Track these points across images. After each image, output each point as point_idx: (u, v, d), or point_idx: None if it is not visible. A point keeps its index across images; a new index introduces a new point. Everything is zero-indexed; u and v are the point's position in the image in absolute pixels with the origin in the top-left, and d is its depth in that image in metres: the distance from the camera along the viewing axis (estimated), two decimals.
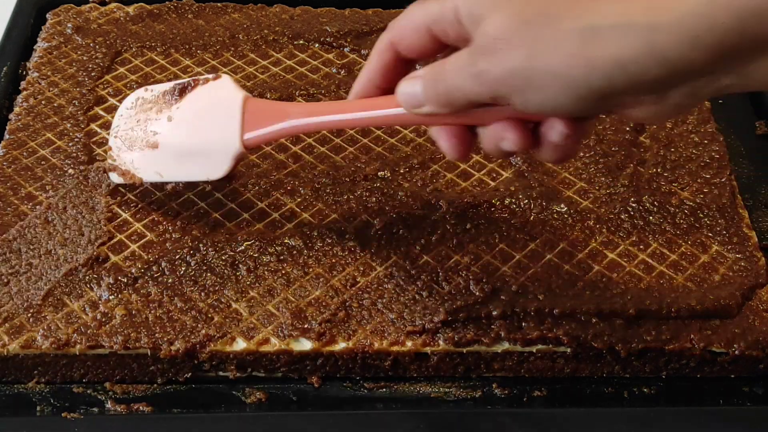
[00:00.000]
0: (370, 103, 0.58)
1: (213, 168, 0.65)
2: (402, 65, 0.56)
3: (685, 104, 0.47)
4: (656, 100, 0.47)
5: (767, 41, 0.43)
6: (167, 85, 0.69)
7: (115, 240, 0.69)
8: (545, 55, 0.46)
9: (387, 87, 0.57)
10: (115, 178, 0.71)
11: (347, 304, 0.65)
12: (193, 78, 0.68)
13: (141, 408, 0.62)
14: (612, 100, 0.47)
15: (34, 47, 0.90)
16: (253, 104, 0.64)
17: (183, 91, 0.67)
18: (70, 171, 0.75)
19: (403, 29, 0.54)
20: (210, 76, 0.67)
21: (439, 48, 0.53)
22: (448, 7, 0.50)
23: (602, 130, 0.79)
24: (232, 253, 0.68)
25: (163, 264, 0.67)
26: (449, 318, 0.63)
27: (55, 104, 0.82)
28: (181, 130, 0.66)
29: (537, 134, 0.52)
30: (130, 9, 0.94)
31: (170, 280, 0.66)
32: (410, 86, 0.53)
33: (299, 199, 0.72)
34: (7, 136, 0.79)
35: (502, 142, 0.53)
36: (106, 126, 0.80)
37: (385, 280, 0.66)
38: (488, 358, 0.64)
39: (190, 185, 0.73)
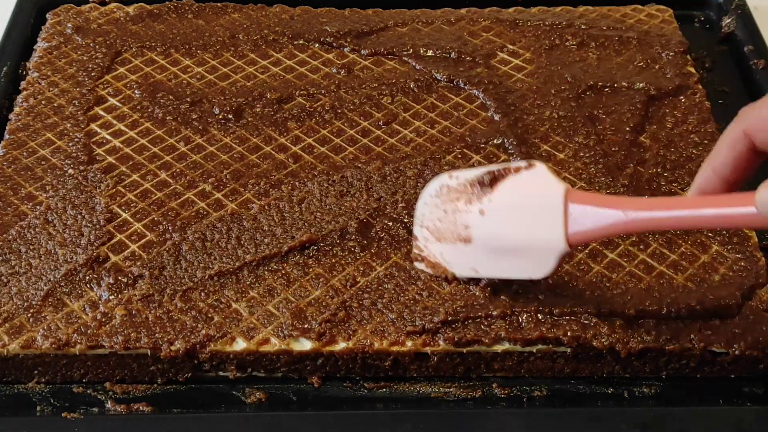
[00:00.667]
0: (721, 201, 0.50)
1: (535, 267, 0.60)
2: (755, 157, 0.49)
3: None
4: None
5: None
6: (475, 172, 0.62)
7: (115, 240, 0.69)
8: None
9: (736, 180, 0.50)
10: (423, 268, 0.66)
11: (347, 304, 0.65)
12: (504, 167, 0.61)
13: (141, 408, 0.62)
14: None
15: (34, 47, 0.90)
16: (577, 197, 0.57)
17: (494, 181, 0.60)
18: (70, 171, 0.75)
19: (764, 120, 0.48)
20: (522, 164, 0.60)
21: None
22: None
23: (602, 130, 0.79)
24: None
25: (163, 264, 0.67)
26: (449, 318, 0.63)
27: (55, 104, 0.82)
28: (497, 226, 0.61)
29: None
30: (130, 9, 0.94)
31: (170, 280, 0.66)
32: None
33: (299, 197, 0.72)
34: (7, 136, 0.79)
35: None
36: (106, 126, 0.80)
37: (385, 280, 0.66)
38: (488, 358, 0.64)
39: (193, 185, 0.73)
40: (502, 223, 0.61)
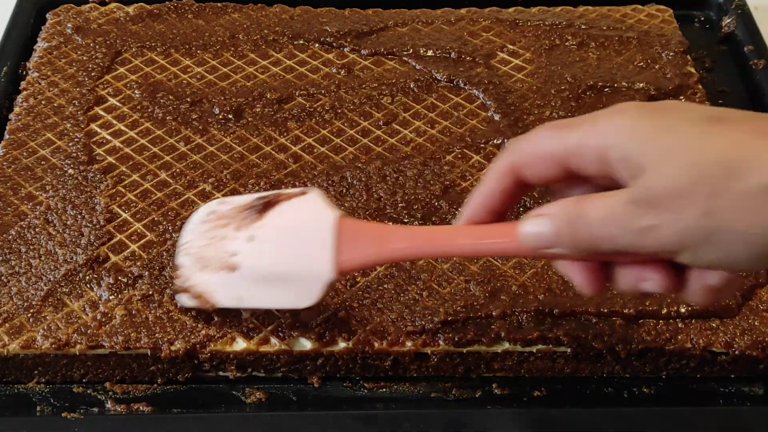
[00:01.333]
0: (483, 232, 0.51)
1: (301, 296, 0.58)
2: (521, 189, 0.50)
3: None
4: None
5: None
6: (246, 199, 0.61)
7: (115, 240, 0.69)
8: (726, 213, 0.40)
9: (502, 211, 0.51)
10: (186, 301, 0.62)
11: (347, 304, 0.65)
12: (276, 193, 0.60)
13: (141, 408, 0.62)
14: None
15: (34, 47, 0.90)
16: (347, 226, 0.56)
17: (266, 207, 0.59)
18: (70, 171, 0.75)
19: (529, 156, 0.48)
20: (296, 191, 0.60)
21: (569, 178, 0.47)
22: (591, 145, 0.44)
23: None
24: None
25: (163, 264, 0.67)
26: (449, 318, 0.63)
27: (55, 104, 0.82)
28: (265, 253, 0.58)
29: (681, 274, 0.46)
30: (130, 9, 0.94)
31: (170, 280, 0.66)
32: (538, 226, 0.47)
33: None
34: (7, 136, 0.79)
35: (643, 283, 0.46)
36: (106, 126, 0.80)
37: (385, 280, 0.66)
38: (488, 358, 0.64)
39: (193, 185, 0.73)
40: (270, 249, 0.58)
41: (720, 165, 0.40)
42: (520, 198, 0.50)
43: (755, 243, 0.40)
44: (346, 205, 0.72)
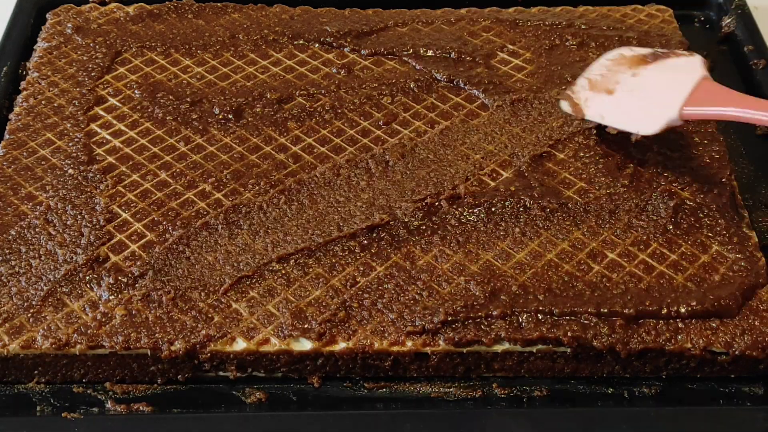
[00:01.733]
0: None
1: (647, 124, 0.70)
2: None
3: None
4: None
5: None
6: (648, 50, 0.76)
7: (115, 240, 0.69)
8: None
9: None
10: (565, 106, 0.77)
11: (347, 304, 0.65)
12: (670, 51, 0.76)
13: (141, 408, 0.62)
14: None
15: (34, 47, 0.90)
16: (708, 84, 0.69)
17: (660, 56, 0.74)
18: (70, 171, 0.75)
19: None
20: (686, 52, 0.75)
21: None
22: None
23: (602, 129, 0.79)
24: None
25: (163, 264, 0.67)
26: (449, 318, 0.63)
27: (55, 104, 0.82)
28: (640, 85, 0.72)
29: None
30: (130, 9, 0.94)
31: (170, 280, 0.66)
32: None
33: (299, 198, 0.72)
34: (7, 136, 0.79)
35: None
36: (106, 126, 0.80)
37: (385, 280, 0.66)
38: (488, 358, 0.64)
39: (193, 185, 0.73)
40: (644, 84, 0.72)
41: None
42: None
43: None
44: (345, 205, 0.72)
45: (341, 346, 0.63)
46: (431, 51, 0.88)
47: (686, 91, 0.68)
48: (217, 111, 0.81)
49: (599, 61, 0.79)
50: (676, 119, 0.68)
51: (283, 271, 0.67)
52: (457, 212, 0.71)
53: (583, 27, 0.92)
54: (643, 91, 0.73)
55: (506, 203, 0.72)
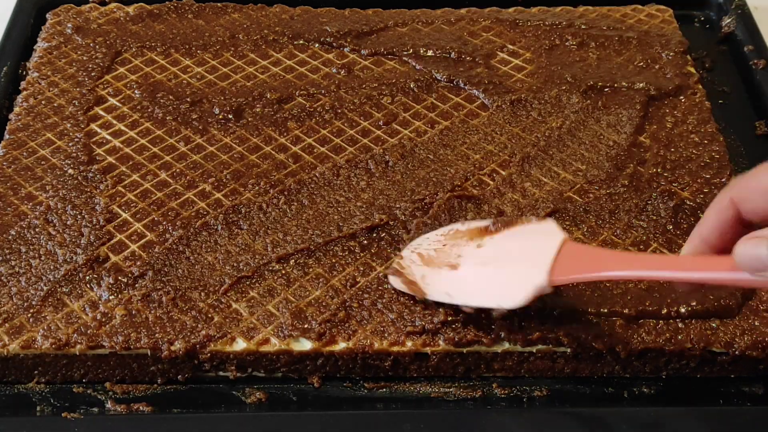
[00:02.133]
0: (701, 263, 0.53)
1: (509, 296, 0.60)
2: (740, 226, 0.51)
3: None
4: None
5: None
6: (487, 222, 0.65)
7: (115, 240, 0.69)
8: None
9: (722, 247, 0.52)
10: (396, 283, 0.65)
11: (347, 304, 0.65)
12: (516, 217, 0.68)
13: (141, 408, 0.62)
14: None
15: (34, 47, 0.90)
16: (571, 247, 0.60)
17: (502, 226, 0.64)
18: (70, 171, 0.75)
19: (750, 191, 0.50)
20: (534, 218, 0.67)
21: None
22: None
23: (602, 129, 0.79)
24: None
25: (163, 264, 0.67)
26: (449, 318, 0.63)
27: (55, 104, 0.82)
28: (488, 256, 0.63)
29: None
30: (130, 9, 0.94)
31: (170, 280, 0.66)
32: (754, 248, 0.47)
33: (299, 199, 0.72)
34: (7, 136, 0.79)
35: None
36: (106, 126, 0.80)
37: (385, 280, 0.66)
38: (488, 358, 0.64)
39: (193, 185, 0.73)
40: (494, 255, 0.62)
41: None
42: (739, 235, 0.50)
43: None
44: (345, 206, 0.72)
45: (341, 346, 0.62)
46: (431, 51, 0.88)
47: (551, 255, 0.58)
48: (217, 111, 0.81)
49: (427, 235, 0.68)
50: (545, 286, 0.58)
51: (283, 271, 0.67)
52: (456, 212, 0.71)
53: (583, 27, 0.92)
54: (497, 262, 0.62)
55: (506, 203, 0.72)
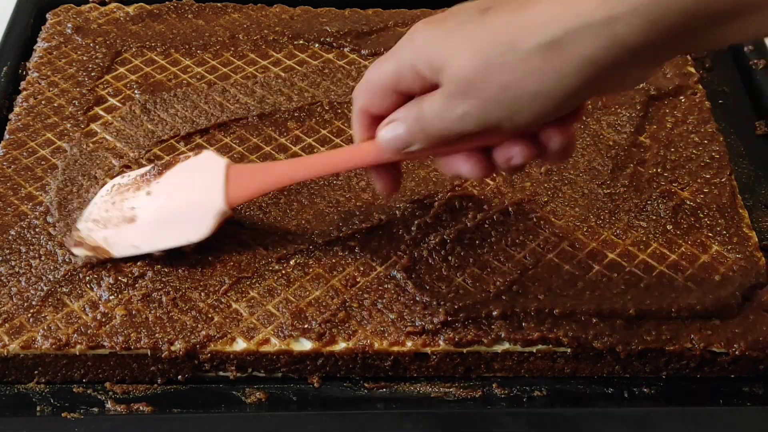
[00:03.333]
0: (354, 151, 0.60)
1: (195, 229, 0.65)
2: (381, 120, 0.56)
3: (657, 68, 0.51)
4: (627, 76, 0.49)
5: (724, 12, 0.45)
6: (145, 168, 0.68)
7: None
8: (516, 80, 0.47)
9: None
10: (81, 253, 0.66)
11: (347, 304, 0.65)
12: (173, 156, 0.71)
13: (141, 408, 0.62)
14: (589, 91, 0.49)
15: (34, 47, 0.90)
16: (236, 168, 0.66)
17: (164, 168, 0.67)
18: None
19: (369, 96, 0.56)
20: (191, 153, 0.68)
21: (410, 97, 0.54)
22: (404, 65, 0.52)
23: (602, 129, 0.79)
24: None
25: (163, 264, 0.67)
26: (449, 318, 0.63)
27: (55, 104, 0.82)
28: (161, 200, 0.66)
29: (538, 142, 0.54)
30: (130, 9, 0.94)
31: (170, 280, 0.66)
32: (392, 130, 0.54)
33: (299, 199, 0.72)
34: (7, 136, 0.79)
35: (512, 160, 0.54)
36: (106, 126, 0.80)
37: (385, 280, 0.66)
38: (488, 358, 0.64)
39: None
40: (167, 196, 0.66)
41: (498, 44, 0.47)
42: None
43: (551, 96, 0.48)
44: (345, 206, 0.72)
45: (341, 346, 0.63)
46: None
47: (221, 181, 0.64)
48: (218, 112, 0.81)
49: (93, 200, 0.68)
50: (226, 210, 0.64)
51: (283, 271, 0.67)
52: (456, 212, 0.71)
53: None
54: (172, 202, 0.65)
55: (505, 203, 0.72)
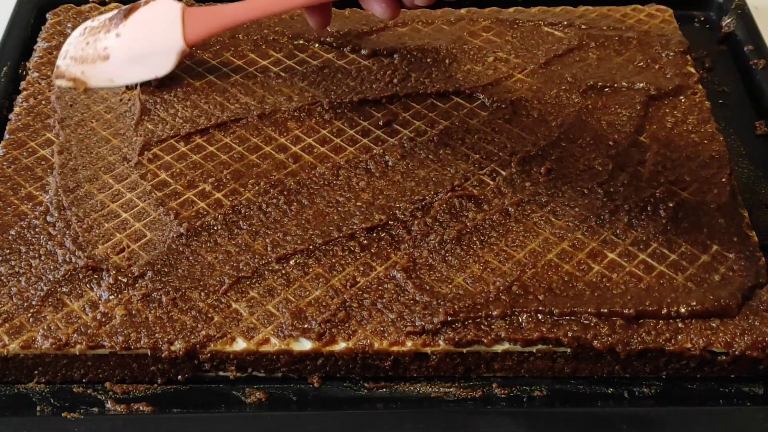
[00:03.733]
0: None
1: (159, 66, 0.79)
2: None
3: None
4: None
5: None
6: (112, 12, 0.80)
7: (115, 240, 0.69)
8: None
9: None
10: (62, 83, 0.80)
11: (347, 304, 0.65)
12: (136, 3, 0.79)
13: (141, 408, 0.62)
14: None
15: (34, 47, 0.90)
16: (193, 10, 0.78)
17: (128, 12, 0.78)
18: None
19: None
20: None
21: None
22: None
23: (602, 129, 0.79)
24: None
25: (164, 264, 0.67)
26: (449, 318, 0.63)
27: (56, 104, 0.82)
28: (129, 40, 0.78)
29: None
30: None
31: (170, 280, 0.66)
32: None
33: (299, 199, 0.72)
34: (7, 136, 0.79)
35: None
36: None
37: (385, 280, 0.66)
38: (488, 358, 0.64)
39: (193, 185, 0.73)
40: (133, 38, 0.78)
41: None
42: None
43: None
44: (345, 206, 0.72)
45: (341, 346, 0.63)
46: (431, 51, 0.88)
47: (178, 22, 0.77)
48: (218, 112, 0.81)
49: (68, 40, 0.81)
50: (184, 48, 0.78)
51: (283, 271, 0.67)
52: (456, 212, 0.71)
53: (583, 27, 0.92)
54: (139, 42, 0.78)
55: (505, 203, 0.72)
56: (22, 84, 0.85)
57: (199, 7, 0.81)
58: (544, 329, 0.63)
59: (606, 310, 0.64)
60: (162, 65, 0.79)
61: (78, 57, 0.79)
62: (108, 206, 0.72)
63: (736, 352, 0.62)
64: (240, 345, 0.62)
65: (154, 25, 0.78)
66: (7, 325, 0.63)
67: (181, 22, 0.77)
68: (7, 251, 0.68)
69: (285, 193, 0.73)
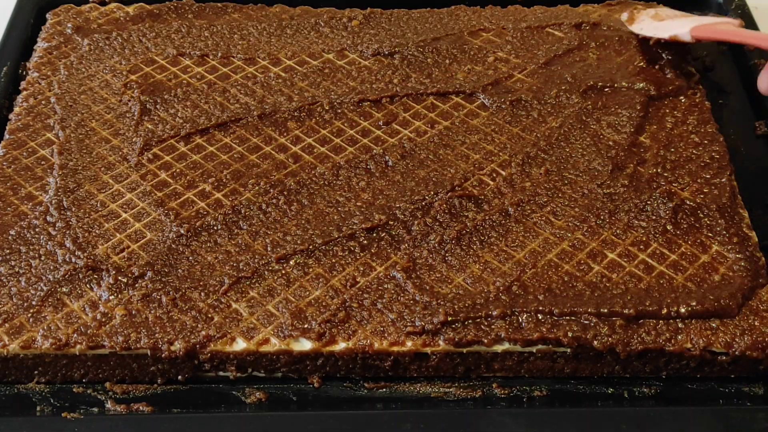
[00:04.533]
0: None
1: (667, 33, 0.87)
2: None
3: None
4: None
5: None
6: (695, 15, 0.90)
7: (115, 240, 0.69)
8: None
9: None
10: (624, 17, 0.92)
11: (347, 304, 0.65)
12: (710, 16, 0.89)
13: (141, 408, 0.62)
14: None
15: (34, 47, 0.90)
16: (723, 25, 0.85)
17: (700, 16, 0.89)
18: None
19: None
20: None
21: None
22: None
23: (602, 129, 0.79)
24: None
25: (164, 264, 0.67)
26: (449, 318, 0.63)
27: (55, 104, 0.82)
28: (676, 21, 0.88)
29: None
30: (130, 9, 0.94)
31: (170, 280, 0.66)
32: None
33: (299, 199, 0.72)
34: (7, 136, 0.79)
35: None
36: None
37: (385, 280, 0.66)
38: (488, 358, 0.64)
39: (193, 185, 0.73)
40: (681, 20, 0.88)
41: None
42: None
43: None
44: (345, 206, 0.72)
45: (341, 346, 0.63)
46: (431, 51, 0.88)
47: (703, 22, 0.85)
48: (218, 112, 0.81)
49: (668, 11, 0.92)
50: (686, 34, 0.84)
51: (283, 271, 0.67)
52: (456, 212, 0.71)
53: (583, 27, 0.92)
54: (678, 22, 0.87)
55: (505, 203, 0.72)
56: (22, 84, 0.85)
57: (728, 25, 0.86)
58: (544, 329, 0.63)
59: (606, 310, 0.64)
60: (668, 33, 0.87)
61: (657, 15, 0.92)
62: (108, 206, 0.72)
63: (736, 353, 0.62)
64: (240, 345, 0.62)
65: (697, 20, 0.87)
66: (7, 325, 0.63)
67: (706, 22, 0.86)
68: (7, 251, 0.68)
69: (285, 193, 0.73)
